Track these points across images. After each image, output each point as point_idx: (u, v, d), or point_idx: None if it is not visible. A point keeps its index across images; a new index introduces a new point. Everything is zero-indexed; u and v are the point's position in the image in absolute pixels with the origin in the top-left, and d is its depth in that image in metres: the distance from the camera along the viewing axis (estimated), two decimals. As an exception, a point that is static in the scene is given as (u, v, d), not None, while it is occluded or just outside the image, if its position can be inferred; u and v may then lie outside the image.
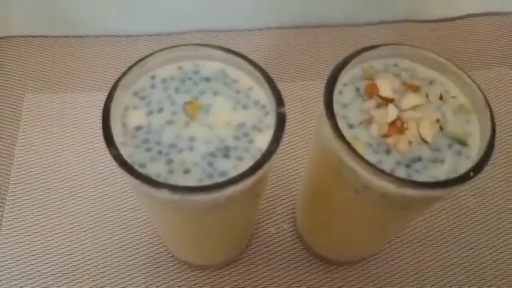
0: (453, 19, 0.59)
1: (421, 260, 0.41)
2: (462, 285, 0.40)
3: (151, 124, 0.27)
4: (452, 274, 0.41)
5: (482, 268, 0.41)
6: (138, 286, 0.39)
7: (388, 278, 0.40)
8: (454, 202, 0.45)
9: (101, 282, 0.39)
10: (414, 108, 0.27)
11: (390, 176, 0.24)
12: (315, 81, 0.52)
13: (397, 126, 0.26)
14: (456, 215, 0.44)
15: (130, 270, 0.40)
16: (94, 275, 0.39)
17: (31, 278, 0.39)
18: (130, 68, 0.27)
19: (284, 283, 0.40)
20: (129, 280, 0.39)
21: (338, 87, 0.28)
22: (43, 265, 0.39)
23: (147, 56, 0.28)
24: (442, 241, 0.43)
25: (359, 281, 0.40)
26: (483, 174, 0.46)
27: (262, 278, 0.40)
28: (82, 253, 0.40)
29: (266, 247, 0.42)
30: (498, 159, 0.47)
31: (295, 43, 0.55)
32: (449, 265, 0.41)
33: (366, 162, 0.24)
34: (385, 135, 0.26)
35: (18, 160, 0.44)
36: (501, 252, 0.42)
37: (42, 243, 0.40)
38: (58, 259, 0.40)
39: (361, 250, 0.40)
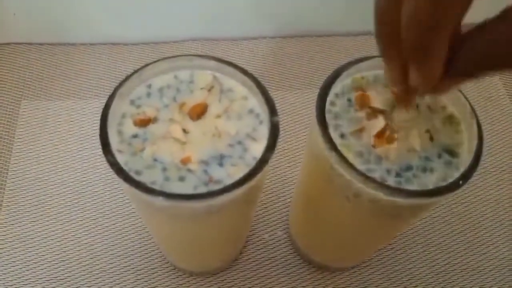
0: (444, 29, 0.60)
1: (413, 266, 0.42)
2: (453, 291, 0.41)
3: (147, 132, 0.27)
4: (443, 280, 0.41)
5: (473, 274, 0.42)
6: (132, 292, 0.39)
7: (380, 284, 0.41)
8: (446, 209, 0.45)
9: (96, 288, 0.39)
10: (404, 118, 0.28)
11: (380, 185, 0.24)
12: (309, 90, 0.53)
13: (387, 136, 0.27)
14: (448, 222, 0.45)
15: (125, 276, 0.40)
16: (89, 281, 0.39)
17: (26, 284, 0.39)
18: (127, 77, 0.28)
19: (277, 289, 0.40)
20: (124, 286, 0.39)
21: (330, 97, 0.28)
22: (38, 271, 0.39)
23: (144, 66, 0.28)
24: (434, 248, 0.43)
25: (352, 287, 0.41)
26: (473, 181, 0.47)
27: (256, 284, 0.40)
28: (77, 260, 0.40)
29: (260, 254, 0.42)
30: (489, 167, 0.48)
31: (289, 52, 0.56)
32: (441, 271, 0.42)
33: (357, 170, 0.25)
34: (376, 145, 0.27)
35: (14, 167, 0.45)
36: (492, 259, 0.43)
37: (37, 249, 0.40)
38: (53, 266, 0.40)
39: (353, 257, 0.40)
